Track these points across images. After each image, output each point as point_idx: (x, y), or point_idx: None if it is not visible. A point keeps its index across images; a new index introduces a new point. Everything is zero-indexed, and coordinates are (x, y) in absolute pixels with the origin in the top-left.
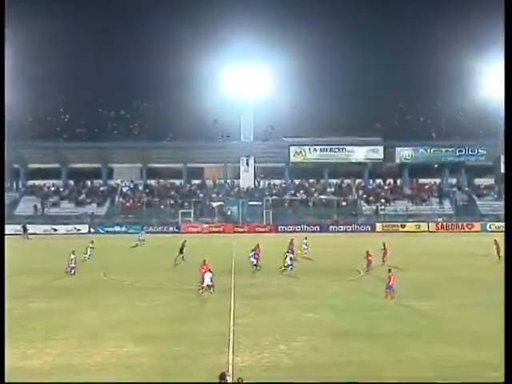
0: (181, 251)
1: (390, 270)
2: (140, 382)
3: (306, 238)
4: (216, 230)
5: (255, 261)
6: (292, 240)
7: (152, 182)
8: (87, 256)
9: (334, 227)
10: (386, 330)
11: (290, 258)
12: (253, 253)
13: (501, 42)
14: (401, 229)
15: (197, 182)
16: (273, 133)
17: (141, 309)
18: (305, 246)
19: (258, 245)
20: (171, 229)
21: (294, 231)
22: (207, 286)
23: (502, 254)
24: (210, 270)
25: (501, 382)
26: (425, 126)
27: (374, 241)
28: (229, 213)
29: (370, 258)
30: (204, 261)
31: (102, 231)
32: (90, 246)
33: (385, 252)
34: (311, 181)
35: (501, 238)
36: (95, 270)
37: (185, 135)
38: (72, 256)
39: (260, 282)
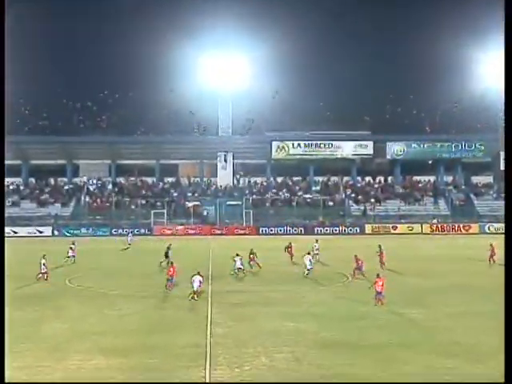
0: (166, 255)
1: (378, 275)
2: (141, 382)
3: (317, 241)
4: (191, 232)
5: (242, 267)
6: (316, 241)
7: (122, 179)
8: (69, 259)
9: (319, 229)
10: (375, 341)
11: (310, 261)
12: (248, 260)
13: (501, 28)
14: (392, 231)
15: (170, 179)
16: (253, 126)
17: (110, 318)
18: (316, 251)
19: (252, 250)
20: (143, 231)
21: (277, 233)
22: (195, 291)
23: (497, 258)
24: (199, 274)
25: (501, 382)
26: (418, 119)
27: (363, 243)
28: (205, 213)
29: (358, 262)
30: (171, 263)
31: (67, 234)
32: (71, 246)
33: (381, 255)
34: (295, 179)
35: (500, 241)
36: (61, 276)
37: (158, 129)
38: (43, 260)
39: (238, 289)
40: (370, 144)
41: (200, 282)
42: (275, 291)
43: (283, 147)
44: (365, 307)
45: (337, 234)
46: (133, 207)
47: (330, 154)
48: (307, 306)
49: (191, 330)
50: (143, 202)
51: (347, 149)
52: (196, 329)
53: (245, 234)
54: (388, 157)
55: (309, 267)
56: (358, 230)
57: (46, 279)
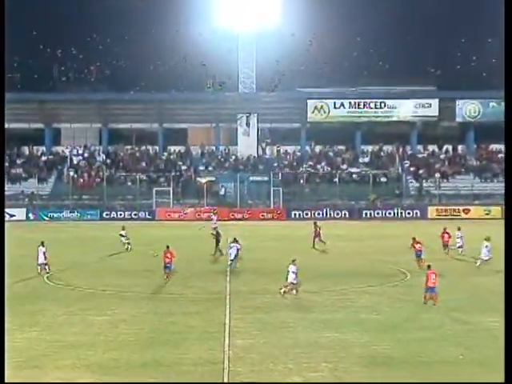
0: (217, 243)
1: (429, 267)
2: (140, 381)
3: (459, 229)
4: (205, 216)
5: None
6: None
7: (115, 148)
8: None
9: (368, 212)
10: (440, 356)
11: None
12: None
13: None
14: (463, 215)
15: (178, 149)
16: (283, 81)
17: (99, 325)
18: (458, 240)
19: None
20: (142, 214)
21: (313, 217)
22: (291, 284)
23: None
24: (294, 262)
25: (501, 383)
26: (498, 70)
27: (425, 231)
28: (222, 192)
29: (417, 246)
30: (167, 247)
31: (45, 217)
32: (122, 233)
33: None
34: (337, 148)
35: None
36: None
37: (161, 84)
38: (42, 248)
39: (264, 289)
40: (435, 103)
41: (294, 273)
42: (311, 292)
43: (322, 107)
44: (427, 313)
45: (391, 218)
46: (129, 184)
47: (382, 116)
48: (353, 311)
49: (204, 341)
50: (143, 177)
51: (405, 109)
52: (210, 340)
53: (272, 219)
54: (458, 119)
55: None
56: (419, 214)
57: (48, 272)
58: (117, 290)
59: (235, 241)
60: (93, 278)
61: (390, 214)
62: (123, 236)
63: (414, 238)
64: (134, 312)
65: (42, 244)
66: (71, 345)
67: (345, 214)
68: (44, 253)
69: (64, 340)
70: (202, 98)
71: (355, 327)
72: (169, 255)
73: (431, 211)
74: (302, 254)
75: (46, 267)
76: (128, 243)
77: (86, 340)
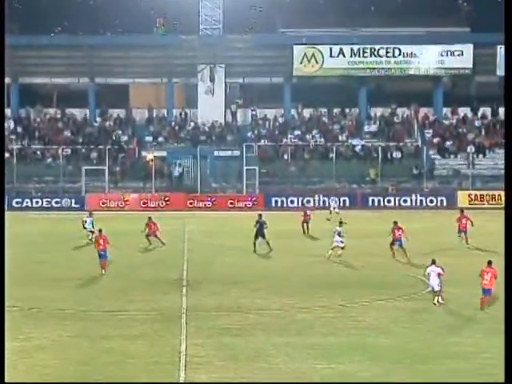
0: (260, 234)
1: (489, 263)
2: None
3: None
4: (153, 205)
5: None
6: None
7: (29, 112)
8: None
9: (376, 199)
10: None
11: None
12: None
13: None
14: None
15: (116, 112)
16: (260, 19)
17: (6, 354)
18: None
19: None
20: (66, 202)
21: (301, 206)
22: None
23: None
24: (438, 267)
25: (501, 382)
26: None
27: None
28: (177, 172)
29: (398, 233)
30: (100, 231)
31: None
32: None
33: None
34: (334, 111)
35: None
36: None
37: (91, 24)
38: None
39: (234, 304)
40: (469, 49)
41: (439, 278)
42: (299, 307)
43: (313, 56)
44: (456, 336)
45: (407, 207)
46: (49, 161)
47: (395, 68)
48: (355, 333)
49: (152, 374)
50: (67, 151)
51: (427, 58)
52: (160, 374)
53: (246, 208)
54: (500, 73)
55: None
56: (445, 202)
57: None
58: (34, 305)
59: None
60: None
61: (405, 201)
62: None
63: (395, 223)
64: (57, 334)
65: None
66: None
67: (344, 202)
68: None
69: None
70: (148, 42)
71: (358, 355)
72: (101, 241)
73: (462, 198)
74: (287, 256)
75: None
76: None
77: None
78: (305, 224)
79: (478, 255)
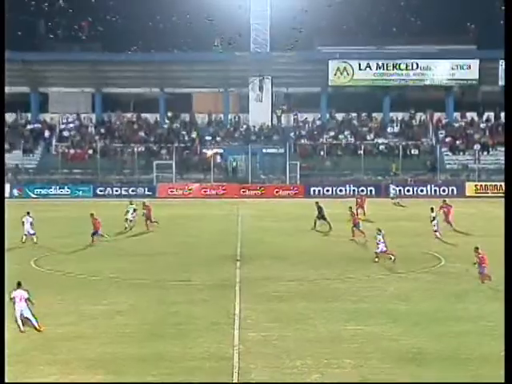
0: (321, 216)
1: (477, 249)
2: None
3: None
4: (211, 192)
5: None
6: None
7: (110, 116)
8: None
9: (398, 189)
10: (479, 352)
11: None
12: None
13: None
14: None
15: (182, 116)
16: (301, 39)
17: (94, 316)
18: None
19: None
20: (141, 191)
21: (335, 195)
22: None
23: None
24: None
25: (501, 382)
26: None
27: (463, 211)
28: (232, 166)
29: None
30: (92, 215)
31: (32, 194)
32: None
33: None
34: (363, 116)
35: None
36: (24, 256)
37: (161, 43)
38: (29, 218)
39: (279, 276)
40: (475, 64)
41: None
42: (332, 279)
43: (345, 69)
44: (463, 302)
45: (423, 196)
46: (126, 157)
47: (414, 80)
48: (380, 300)
49: (211, 333)
50: (142, 149)
51: (440, 71)
52: (218, 332)
53: (289, 197)
54: (502, 83)
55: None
56: (455, 191)
57: (35, 243)
58: (113, 276)
59: None
60: (86, 262)
61: (422, 191)
62: (129, 212)
63: (350, 208)
64: (133, 301)
65: (28, 214)
66: (63, 337)
67: (370, 191)
68: (31, 223)
69: (54, 333)
70: (208, 58)
71: (383, 318)
72: (97, 223)
73: (469, 188)
74: (322, 237)
75: (34, 237)
76: (130, 221)
77: (79, 333)
78: (359, 209)
79: (484, 236)
